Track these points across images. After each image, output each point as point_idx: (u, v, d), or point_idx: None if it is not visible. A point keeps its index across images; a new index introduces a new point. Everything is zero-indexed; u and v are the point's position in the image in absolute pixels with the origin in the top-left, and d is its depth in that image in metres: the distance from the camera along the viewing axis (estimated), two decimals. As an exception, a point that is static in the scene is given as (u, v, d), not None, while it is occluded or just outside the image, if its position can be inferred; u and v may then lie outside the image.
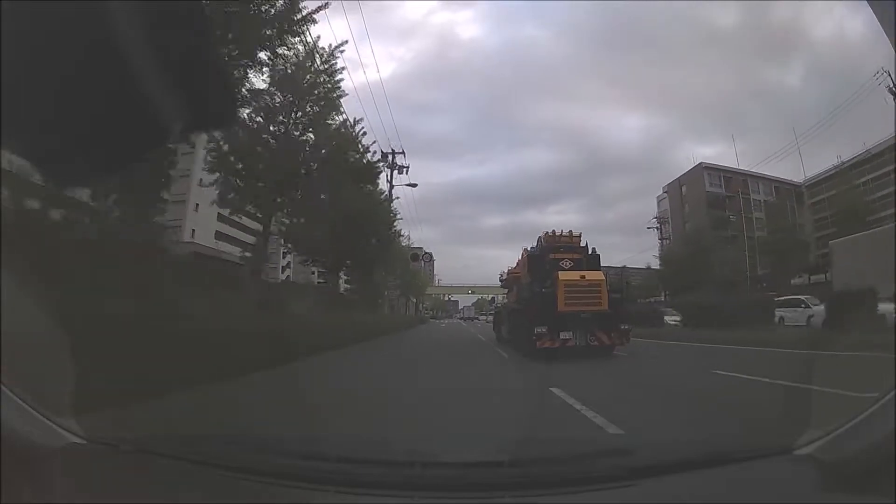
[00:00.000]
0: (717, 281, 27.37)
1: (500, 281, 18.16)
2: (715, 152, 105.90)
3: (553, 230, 12.45)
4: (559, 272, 10.70)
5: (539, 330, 9.78)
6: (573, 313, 10.01)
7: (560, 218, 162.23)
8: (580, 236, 12.38)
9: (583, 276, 10.61)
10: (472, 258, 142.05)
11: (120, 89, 0.67)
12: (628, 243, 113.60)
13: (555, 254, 11.56)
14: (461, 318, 77.84)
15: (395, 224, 23.99)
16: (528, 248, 13.21)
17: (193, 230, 33.59)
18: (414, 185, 26.72)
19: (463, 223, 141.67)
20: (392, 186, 24.56)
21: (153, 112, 0.69)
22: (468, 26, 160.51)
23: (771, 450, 1.40)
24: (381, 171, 18.61)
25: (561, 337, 9.78)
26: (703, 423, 4.24)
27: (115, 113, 0.69)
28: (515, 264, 15.15)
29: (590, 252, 12.03)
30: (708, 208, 45.57)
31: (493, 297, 53.07)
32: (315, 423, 3.78)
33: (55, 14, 0.62)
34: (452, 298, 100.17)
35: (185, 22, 0.69)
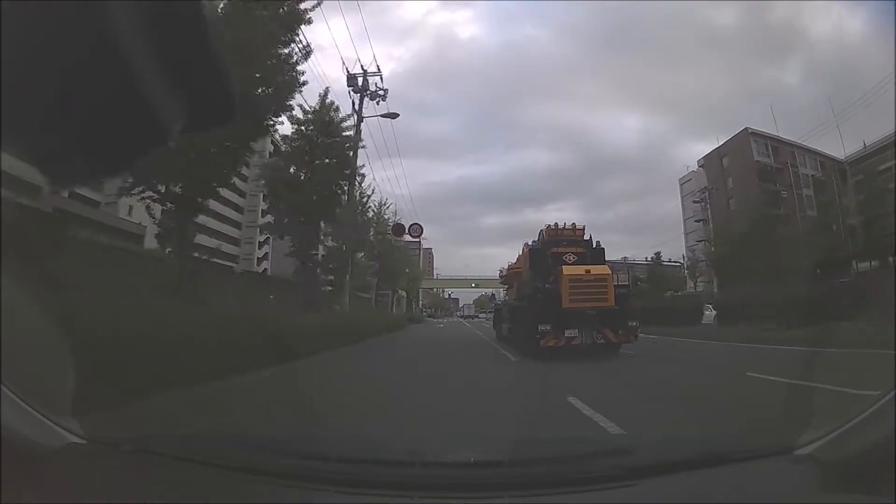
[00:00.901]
0: (783, 266, 22.00)
1: (500, 277, 17.50)
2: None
3: (556, 223, 11.79)
4: (563, 267, 10.14)
5: (543, 328, 9.32)
6: (578, 310, 9.52)
7: (559, 216, 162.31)
8: (584, 229, 11.70)
9: (588, 271, 10.02)
10: (473, 257, 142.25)
11: (120, 89, 0.67)
12: (628, 242, 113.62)
13: (557, 248, 10.95)
14: (462, 317, 75.27)
15: (355, 155, 15.43)
16: (530, 243, 12.64)
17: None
18: (394, 116, 19.41)
19: (463, 223, 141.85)
20: (360, 118, 17.16)
21: (153, 111, 0.69)
22: (467, 26, 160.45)
23: (771, 450, 1.40)
24: (307, 21, 10.03)
25: (566, 335, 9.32)
26: None
27: (115, 112, 0.69)
28: (516, 260, 14.60)
29: (594, 246, 11.43)
30: (759, 181, 37.82)
31: (493, 294, 47.95)
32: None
33: (55, 14, 0.62)
34: (453, 296, 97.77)
35: (185, 21, 0.69)
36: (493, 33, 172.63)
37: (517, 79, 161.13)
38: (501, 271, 17.21)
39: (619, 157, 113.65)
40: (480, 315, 71.47)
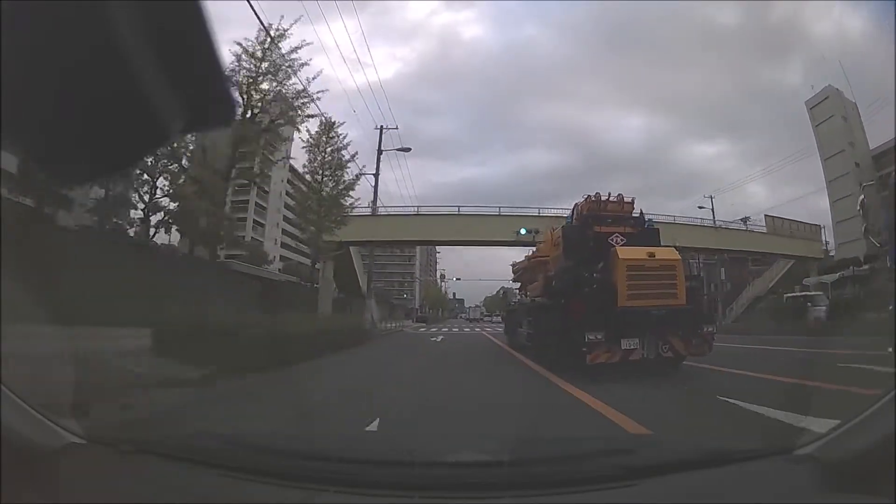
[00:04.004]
0: None
1: (514, 273, 14.42)
2: (716, 152, 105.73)
3: (597, 193, 8.79)
4: (617, 249, 7.50)
5: (592, 337, 6.68)
6: (641, 310, 6.93)
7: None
8: (633, 203, 8.78)
9: (652, 255, 7.38)
10: (476, 257, 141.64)
11: (120, 88, 0.67)
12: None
13: (601, 227, 8.19)
14: (468, 320, 64.62)
15: None
16: (553, 228, 10.00)
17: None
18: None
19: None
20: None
21: (153, 111, 0.69)
22: (470, 27, 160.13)
23: (771, 450, 1.40)
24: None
25: (622, 346, 6.78)
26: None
27: (115, 112, 0.70)
28: (535, 250, 12.07)
29: (646, 225, 8.66)
30: None
31: (504, 292, 36.12)
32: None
33: (55, 14, 0.62)
34: (458, 296, 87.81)
35: (185, 20, 0.69)
36: (496, 34, 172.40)
37: (519, 79, 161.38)
38: (514, 265, 14.47)
39: (621, 157, 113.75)
40: (484, 318, 62.12)
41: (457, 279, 73.90)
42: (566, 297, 7.76)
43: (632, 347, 6.83)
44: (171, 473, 1.37)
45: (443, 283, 76.36)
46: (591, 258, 7.77)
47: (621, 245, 7.77)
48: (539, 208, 22.28)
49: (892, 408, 1.12)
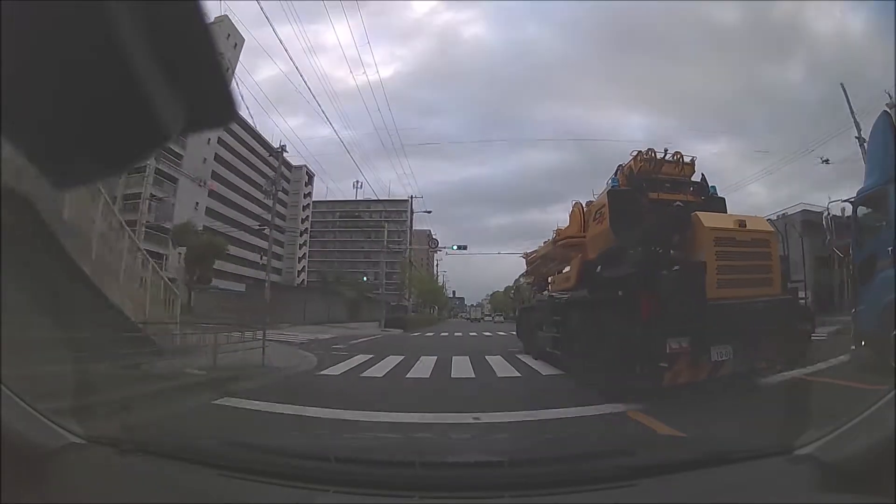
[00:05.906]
0: None
1: (527, 264, 12.12)
2: (718, 150, 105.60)
3: (650, 150, 6.57)
4: (699, 215, 5.44)
5: (675, 346, 4.61)
6: (739, 304, 5.00)
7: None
8: (693, 164, 6.66)
9: (741, 223, 5.44)
10: (478, 258, 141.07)
11: (120, 89, 0.67)
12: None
13: (657, 192, 6.12)
14: (468, 319, 59.69)
15: None
16: (583, 203, 7.84)
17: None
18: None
19: (469, 223, 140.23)
20: None
21: (153, 112, 0.70)
22: (471, 26, 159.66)
23: (771, 450, 1.40)
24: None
25: (712, 357, 4.76)
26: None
27: (115, 113, 0.70)
28: (552, 236, 9.32)
29: (710, 192, 6.55)
30: None
31: (515, 288, 31.70)
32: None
33: (56, 14, 0.62)
34: (457, 295, 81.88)
35: (186, 20, 0.69)
36: (497, 32, 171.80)
37: (521, 78, 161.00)
38: (526, 255, 12.26)
39: (623, 157, 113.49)
40: (486, 318, 57.57)
41: (457, 247, 40.05)
42: (626, 287, 5.32)
43: (723, 358, 4.81)
44: (171, 473, 1.37)
45: (441, 276, 58.29)
46: (664, 230, 5.50)
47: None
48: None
49: (892, 408, 1.12)
